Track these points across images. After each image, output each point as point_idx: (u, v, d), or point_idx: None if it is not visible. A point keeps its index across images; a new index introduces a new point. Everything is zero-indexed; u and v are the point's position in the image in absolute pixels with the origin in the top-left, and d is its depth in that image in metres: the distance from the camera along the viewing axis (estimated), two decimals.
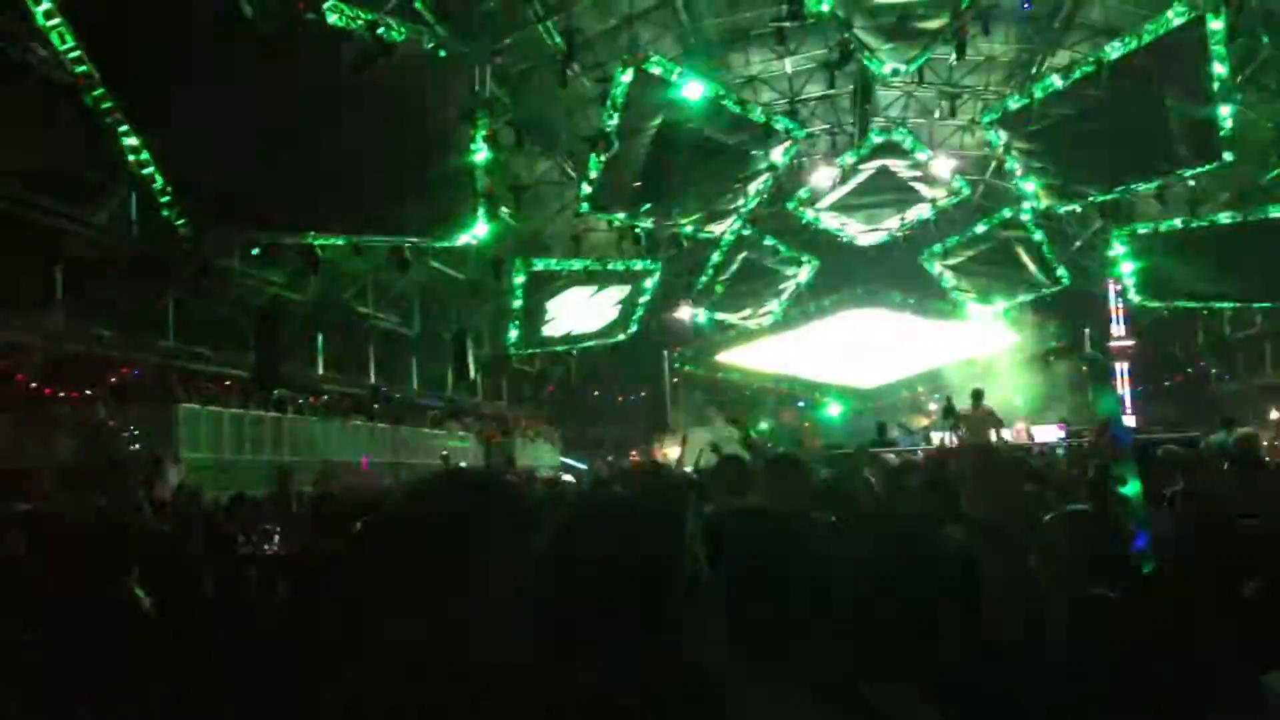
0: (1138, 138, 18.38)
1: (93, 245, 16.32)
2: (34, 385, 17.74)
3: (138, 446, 15.61)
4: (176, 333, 18.74)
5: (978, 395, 17.85)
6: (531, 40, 18.71)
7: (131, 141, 12.88)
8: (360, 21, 13.47)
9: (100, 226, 16.20)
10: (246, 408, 18.60)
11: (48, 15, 11.48)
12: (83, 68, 12.00)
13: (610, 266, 24.58)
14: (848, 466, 7.81)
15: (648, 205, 20.73)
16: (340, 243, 16.81)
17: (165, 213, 13.94)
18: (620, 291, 25.64)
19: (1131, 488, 3.58)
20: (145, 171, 13.24)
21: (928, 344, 32.71)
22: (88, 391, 17.47)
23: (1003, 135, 20.16)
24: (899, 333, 32.97)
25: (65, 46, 11.77)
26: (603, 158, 18.41)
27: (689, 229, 22.83)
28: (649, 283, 25.32)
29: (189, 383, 18.27)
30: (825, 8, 16.57)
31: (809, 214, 25.35)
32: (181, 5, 12.56)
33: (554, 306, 25.03)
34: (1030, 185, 21.24)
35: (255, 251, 16.78)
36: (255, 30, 12.48)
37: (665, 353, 31.62)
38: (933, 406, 29.44)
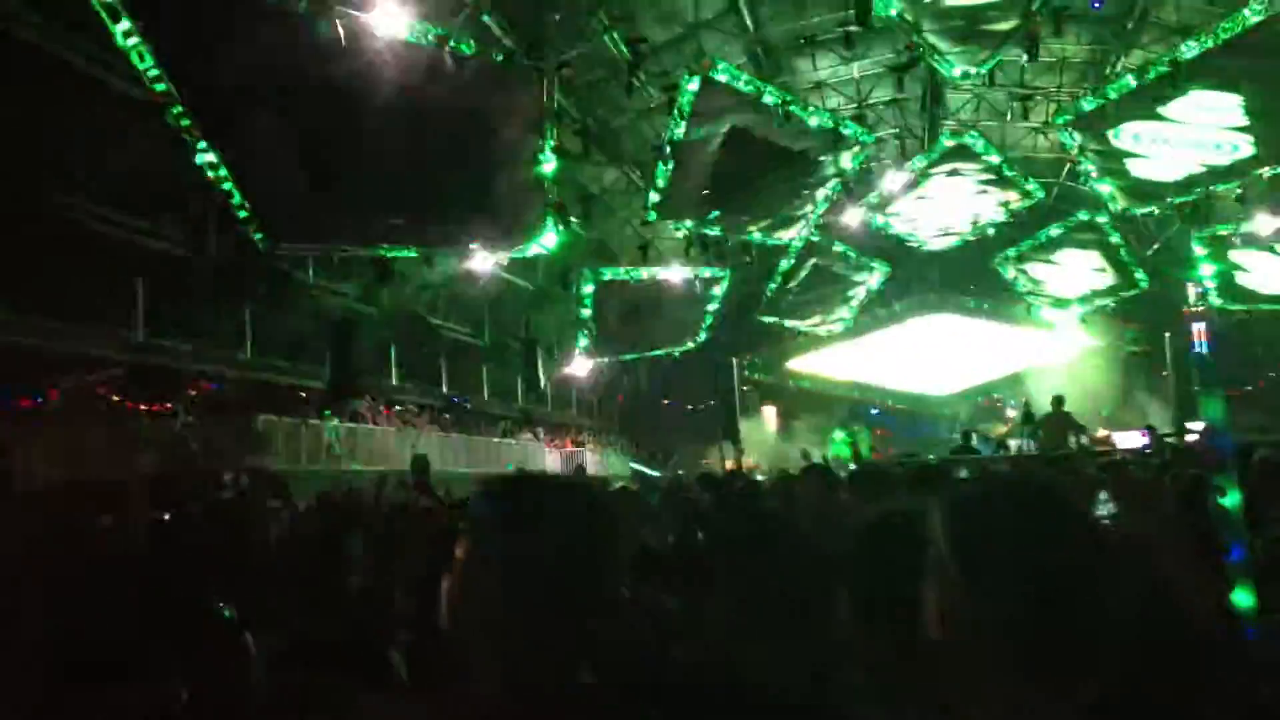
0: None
1: (172, 260, 16.67)
2: (116, 399, 18.14)
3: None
4: (254, 346, 19.08)
5: (1058, 401, 17.58)
6: (598, 50, 18.79)
7: (209, 158, 13.14)
8: (431, 36, 13.61)
9: (179, 241, 16.55)
10: (324, 420, 18.86)
11: (126, 35, 11.74)
12: (161, 86, 12.26)
13: None
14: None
15: (715, 213, 20.66)
16: (412, 255, 16.99)
17: (242, 227, 14.22)
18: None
19: (1231, 499, 3.46)
20: (223, 187, 13.50)
21: (1003, 349, 32.26)
22: (168, 404, 17.84)
23: (1077, 137, 19.81)
24: (972, 338, 32.54)
25: (144, 65, 12.03)
26: (669, 166, 18.41)
27: (757, 236, 22.72)
28: (717, 290, 25.22)
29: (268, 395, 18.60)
30: (894, 12, 16.39)
31: (879, 219, 25.09)
32: (254, 24, 12.78)
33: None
34: (1106, 187, 20.85)
35: (331, 264, 17.01)
36: (326, 46, 12.67)
37: (735, 361, 31.47)
38: (1010, 413, 29.04)
